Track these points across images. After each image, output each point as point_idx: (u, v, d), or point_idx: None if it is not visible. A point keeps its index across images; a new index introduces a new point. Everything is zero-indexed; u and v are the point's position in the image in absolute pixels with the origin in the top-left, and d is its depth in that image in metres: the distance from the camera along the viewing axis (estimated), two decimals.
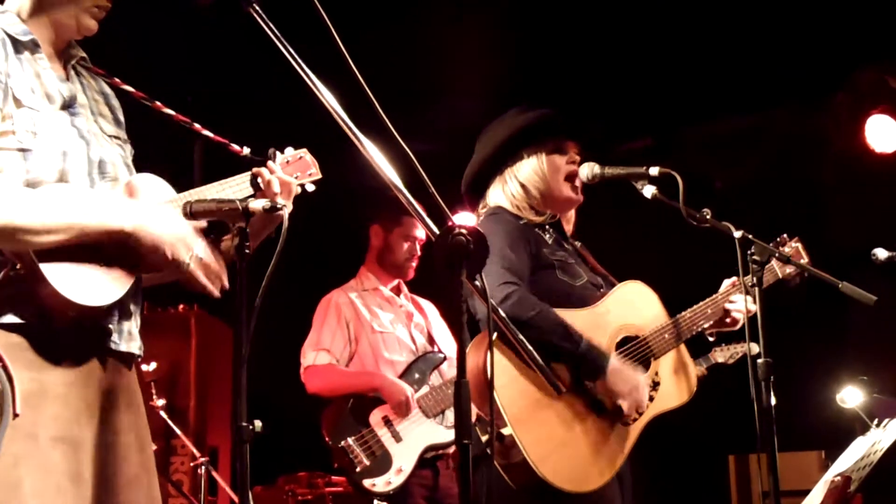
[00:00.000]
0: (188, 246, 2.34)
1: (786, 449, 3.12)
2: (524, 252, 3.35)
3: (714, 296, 3.57)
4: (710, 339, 3.59)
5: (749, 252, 3.23)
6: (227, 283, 2.42)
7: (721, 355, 4.47)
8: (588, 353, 3.23)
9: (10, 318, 2.23)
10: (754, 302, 3.20)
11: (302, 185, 2.72)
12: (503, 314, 2.41)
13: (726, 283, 3.61)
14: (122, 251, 2.29)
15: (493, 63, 5.62)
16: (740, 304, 3.51)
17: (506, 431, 3.11)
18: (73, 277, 2.23)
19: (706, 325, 3.53)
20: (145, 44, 4.71)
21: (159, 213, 2.34)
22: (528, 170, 3.51)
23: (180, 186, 2.52)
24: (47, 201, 2.22)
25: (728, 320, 3.55)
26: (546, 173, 3.50)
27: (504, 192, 3.52)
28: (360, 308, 4.82)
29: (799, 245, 3.63)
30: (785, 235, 3.64)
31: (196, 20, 4.90)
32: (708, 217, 3.30)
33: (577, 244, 3.66)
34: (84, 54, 2.55)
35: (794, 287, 3.40)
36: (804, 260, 3.60)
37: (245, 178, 2.59)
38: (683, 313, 3.51)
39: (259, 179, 2.56)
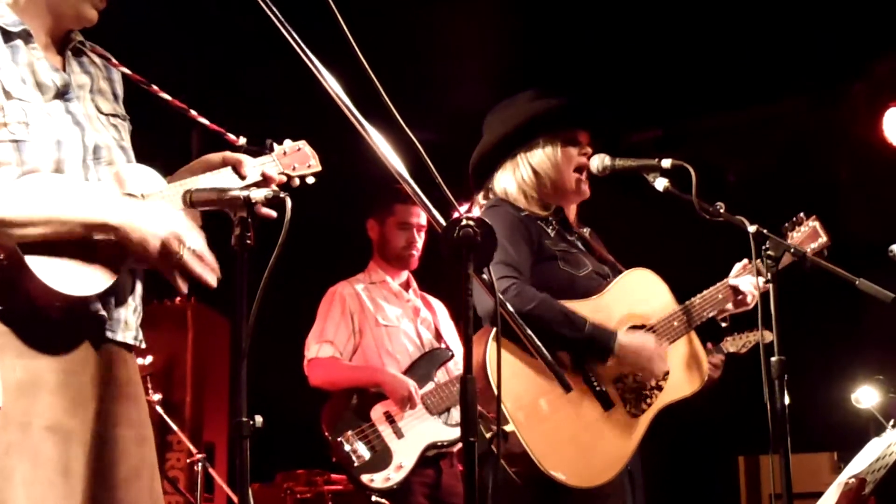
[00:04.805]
0: (180, 240, 2.29)
1: (797, 450, 3.08)
2: (524, 245, 3.32)
3: (724, 280, 3.54)
4: (723, 324, 3.55)
5: (763, 247, 3.18)
6: (219, 274, 2.38)
7: (732, 345, 4.37)
8: (593, 335, 3.21)
9: None
10: (767, 289, 3.16)
11: (302, 178, 2.69)
12: (511, 309, 2.34)
13: (737, 266, 3.57)
14: (108, 245, 2.26)
15: (499, 52, 5.58)
16: (746, 283, 3.47)
17: (508, 428, 3.09)
18: (59, 268, 2.21)
19: (718, 310, 3.49)
20: (144, 30, 4.67)
21: (149, 209, 2.31)
22: (542, 156, 3.48)
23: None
24: (30, 194, 2.20)
25: (739, 298, 3.50)
26: (559, 162, 3.47)
27: (514, 177, 3.49)
28: (365, 300, 4.77)
29: (816, 224, 3.57)
30: (802, 214, 3.58)
31: (197, 5, 4.85)
32: (721, 210, 3.28)
33: (586, 231, 3.63)
34: (81, 38, 2.50)
35: (806, 270, 3.33)
36: (823, 239, 3.55)
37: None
38: (692, 299, 3.48)
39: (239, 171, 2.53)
